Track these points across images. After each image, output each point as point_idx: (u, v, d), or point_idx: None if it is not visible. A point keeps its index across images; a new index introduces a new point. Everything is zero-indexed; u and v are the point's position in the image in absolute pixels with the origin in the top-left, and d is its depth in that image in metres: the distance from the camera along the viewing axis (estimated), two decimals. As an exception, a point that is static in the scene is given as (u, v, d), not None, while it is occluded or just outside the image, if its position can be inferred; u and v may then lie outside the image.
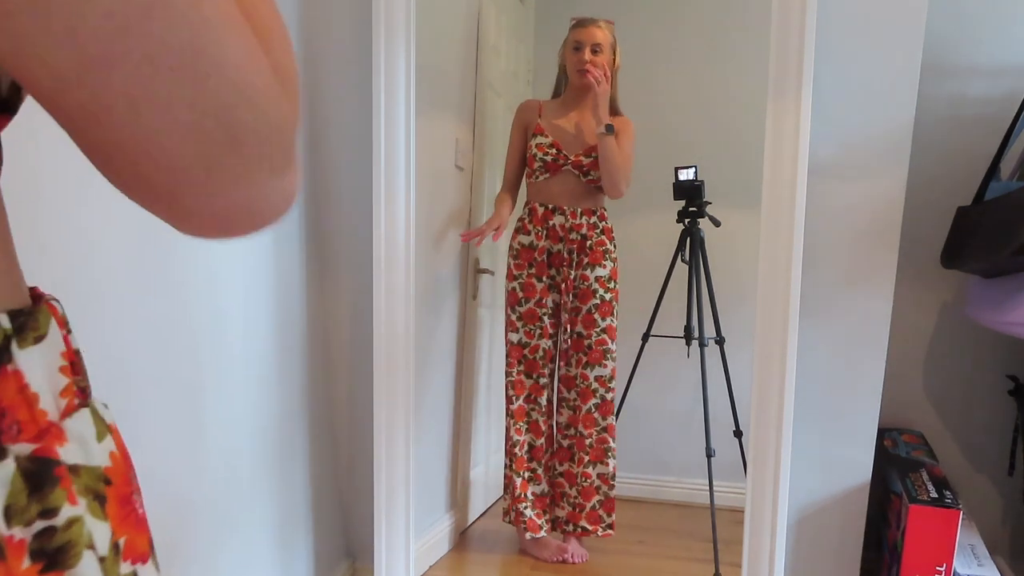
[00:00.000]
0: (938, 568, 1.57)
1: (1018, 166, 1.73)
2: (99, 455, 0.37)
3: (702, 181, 2.25)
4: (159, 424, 1.30)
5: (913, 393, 2.06)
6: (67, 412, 0.36)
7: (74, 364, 0.38)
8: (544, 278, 2.26)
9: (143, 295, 1.25)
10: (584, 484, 2.26)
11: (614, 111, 2.25)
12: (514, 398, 2.28)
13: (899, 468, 1.77)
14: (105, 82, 0.28)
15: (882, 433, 1.95)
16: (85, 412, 0.37)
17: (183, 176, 0.32)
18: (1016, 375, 1.95)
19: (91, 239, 1.13)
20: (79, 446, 0.35)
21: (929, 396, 2.05)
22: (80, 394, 0.38)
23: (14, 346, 0.33)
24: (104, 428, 0.38)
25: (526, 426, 2.29)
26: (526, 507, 2.29)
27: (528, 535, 2.29)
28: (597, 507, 2.26)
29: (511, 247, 2.29)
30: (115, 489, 0.37)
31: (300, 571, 1.83)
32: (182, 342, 1.36)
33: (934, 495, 1.59)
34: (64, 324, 0.38)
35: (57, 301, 0.39)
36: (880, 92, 1.65)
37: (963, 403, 2.03)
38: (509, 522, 2.34)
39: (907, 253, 1.96)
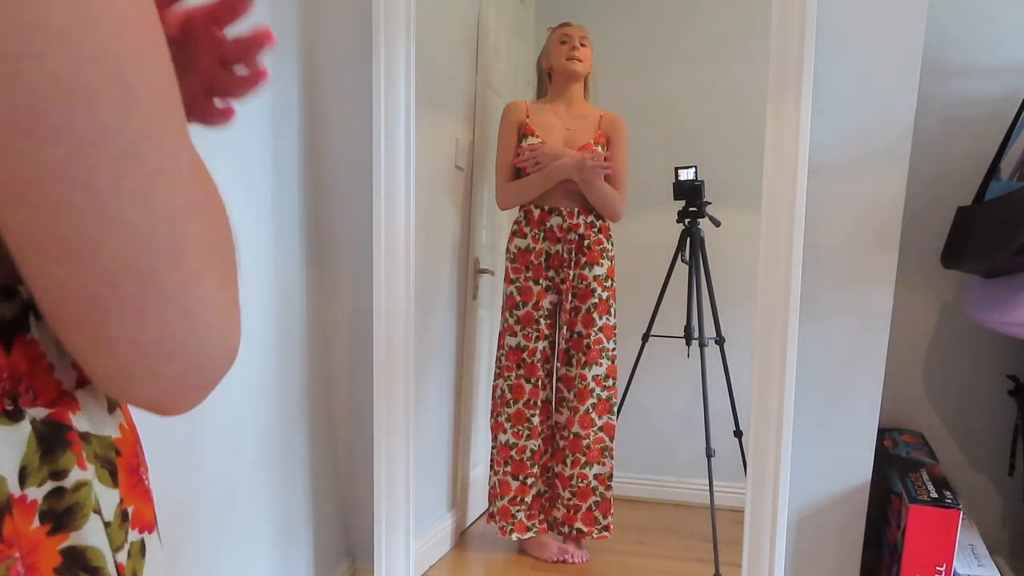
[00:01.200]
0: (938, 568, 1.57)
1: (1018, 166, 1.73)
2: (110, 426, 0.39)
3: (702, 181, 2.25)
4: (157, 421, 1.30)
5: (913, 393, 2.06)
6: (80, 383, 0.37)
7: None
8: (542, 280, 2.25)
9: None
10: (580, 485, 2.25)
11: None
12: (512, 402, 2.27)
13: (899, 468, 1.77)
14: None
15: (882, 433, 1.95)
16: None
17: (113, 288, 0.29)
18: (1016, 375, 1.95)
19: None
20: (91, 415, 0.37)
21: (929, 396, 2.05)
22: None
23: (31, 317, 0.34)
24: (114, 401, 0.40)
25: (527, 431, 2.28)
26: (519, 511, 2.28)
27: (514, 536, 2.28)
28: (593, 508, 2.26)
29: (508, 250, 2.29)
30: (123, 460, 0.39)
31: (300, 571, 1.83)
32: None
33: (934, 495, 1.59)
34: None
35: None
36: (880, 92, 1.65)
37: (963, 403, 2.03)
38: (495, 514, 2.30)
39: (907, 253, 1.95)
